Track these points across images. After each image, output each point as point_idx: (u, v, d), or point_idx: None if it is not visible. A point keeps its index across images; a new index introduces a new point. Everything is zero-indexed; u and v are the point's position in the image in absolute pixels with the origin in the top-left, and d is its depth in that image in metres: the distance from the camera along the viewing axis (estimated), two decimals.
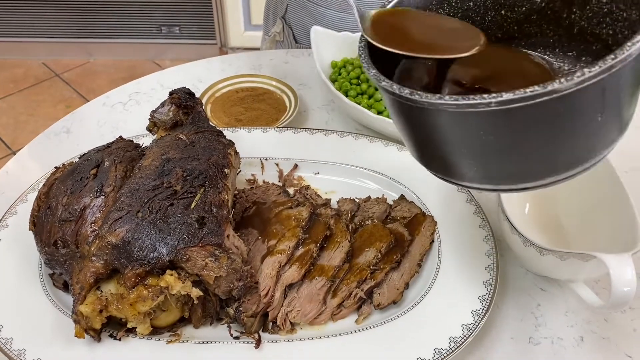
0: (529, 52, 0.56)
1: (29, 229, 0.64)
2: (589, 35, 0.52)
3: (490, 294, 0.62)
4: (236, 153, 0.72)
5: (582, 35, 0.52)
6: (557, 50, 0.55)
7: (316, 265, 0.65)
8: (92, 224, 0.61)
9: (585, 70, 0.36)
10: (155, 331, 0.60)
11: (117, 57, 2.84)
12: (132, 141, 0.73)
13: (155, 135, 0.77)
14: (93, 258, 0.58)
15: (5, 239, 0.68)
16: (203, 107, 0.79)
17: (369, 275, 0.64)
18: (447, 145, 0.45)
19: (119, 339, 0.59)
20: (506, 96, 0.37)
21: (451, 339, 0.58)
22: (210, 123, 0.77)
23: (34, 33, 2.76)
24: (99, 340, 0.59)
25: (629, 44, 0.37)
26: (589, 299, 0.59)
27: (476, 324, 0.59)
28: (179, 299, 0.59)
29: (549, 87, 0.36)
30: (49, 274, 0.65)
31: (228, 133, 0.81)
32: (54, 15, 2.75)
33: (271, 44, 1.22)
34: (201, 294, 0.58)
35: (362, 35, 0.50)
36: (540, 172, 0.45)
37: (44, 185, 0.67)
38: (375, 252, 0.66)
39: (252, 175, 0.81)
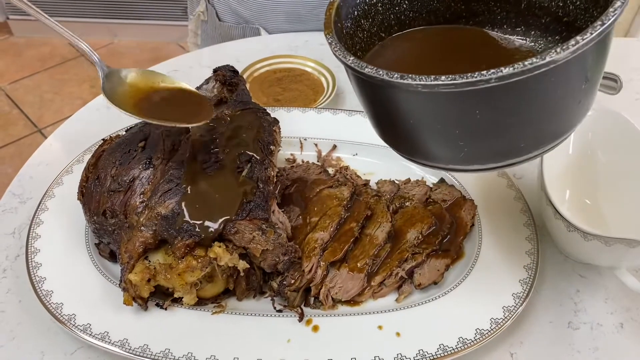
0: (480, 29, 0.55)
1: (77, 199, 0.66)
2: (537, 9, 0.51)
3: (531, 277, 0.62)
4: (280, 131, 0.73)
5: (530, 9, 0.52)
6: (505, 26, 0.54)
7: (358, 244, 0.66)
8: (141, 195, 0.62)
9: (579, 37, 0.36)
10: (200, 302, 0.61)
11: (142, 38, 2.85)
12: None
13: None
14: (142, 228, 0.59)
15: (53, 208, 0.70)
16: (246, 85, 0.80)
17: (410, 255, 0.65)
18: (438, 128, 0.44)
19: (166, 309, 0.60)
20: (506, 71, 0.36)
21: (492, 320, 0.58)
22: None
23: (60, 12, 2.78)
24: (146, 308, 0.60)
25: (611, 10, 0.37)
26: (633, 286, 0.59)
27: (517, 306, 0.60)
28: (224, 270, 0.60)
29: (548, 58, 0.36)
30: (95, 244, 0.67)
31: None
32: None
33: (196, 23, 1.24)
34: (248, 266, 0.59)
35: (328, 33, 0.47)
36: (529, 146, 0.44)
37: (92, 156, 0.68)
38: (417, 234, 0.67)
39: (291, 154, 0.81)
